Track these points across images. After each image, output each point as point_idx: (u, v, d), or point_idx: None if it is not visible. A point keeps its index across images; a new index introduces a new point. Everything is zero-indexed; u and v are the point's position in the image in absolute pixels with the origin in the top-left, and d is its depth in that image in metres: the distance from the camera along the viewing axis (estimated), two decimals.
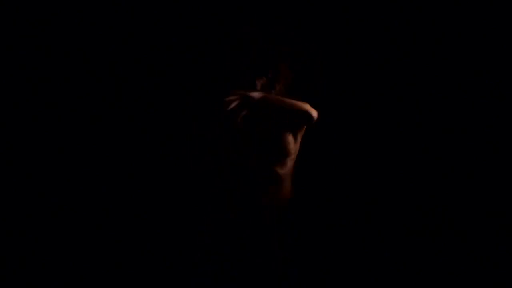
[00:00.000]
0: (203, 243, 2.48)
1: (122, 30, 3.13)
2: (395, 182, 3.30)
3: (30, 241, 3.11)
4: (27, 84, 3.10)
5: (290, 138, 2.52)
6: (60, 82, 3.12)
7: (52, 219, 3.13)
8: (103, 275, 3.13)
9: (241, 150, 2.44)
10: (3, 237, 3.09)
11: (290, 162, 2.54)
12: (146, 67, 3.15)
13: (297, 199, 2.58)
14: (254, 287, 2.43)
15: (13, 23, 3.07)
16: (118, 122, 3.17)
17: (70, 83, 3.13)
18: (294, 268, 2.55)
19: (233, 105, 2.33)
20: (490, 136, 3.25)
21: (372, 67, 3.18)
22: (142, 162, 3.19)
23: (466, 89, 3.25)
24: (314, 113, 2.52)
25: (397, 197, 3.30)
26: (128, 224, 3.17)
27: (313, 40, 3.01)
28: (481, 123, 3.26)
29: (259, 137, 2.46)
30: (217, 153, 2.50)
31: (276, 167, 2.48)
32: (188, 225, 3.09)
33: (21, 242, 3.10)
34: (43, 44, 3.09)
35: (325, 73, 2.76)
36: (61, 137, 3.14)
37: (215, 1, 3.16)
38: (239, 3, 3.16)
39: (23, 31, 3.07)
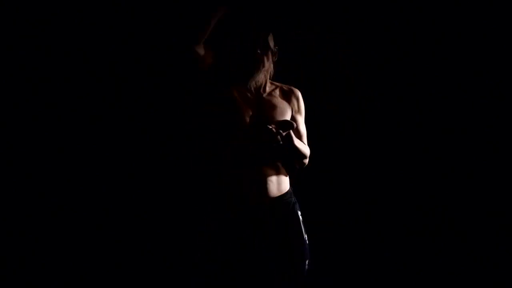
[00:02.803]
0: (203, 243, 2.47)
1: (122, 30, 3.13)
2: (395, 182, 3.30)
3: (30, 241, 3.11)
4: (27, 84, 3.10)
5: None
6: (60, 82, 3.12)
7: (52, 219, 3.13)
8: (103, 275, 3.13)
9: (242, 149, 2.44)
10: (3, 237, 3.09)
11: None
12: (146, 67, 3.15)
13: (296, 199, 2.58)
14: (254, 287, 2.43)
15: (13, 23, 3.07)
16: (118, 122, 3.17)
17: (70, 83, 3.13)
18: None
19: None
20: (490, 136, 3.25)
21: (372, 67, 3.18)
22: (142, 162, 3.19)
23: (466, 89, 3.25)
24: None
25: (397, 197, 3.30)
26: (128, 224, 3.17)
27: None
28: (481, 123, 3.26)
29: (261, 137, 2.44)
30: (217, 153, 2.50)
31: (275, 166, 2.48)
32: (188, 225, 3.09)
33: (21, 242, 3.10)
34: (43, 44, 3.09)
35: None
36: (61, 137, 3.14)
37: (215, 1, 3.16)
38: (239, 3, 3.15)
39: (23, 31, 3.07)
